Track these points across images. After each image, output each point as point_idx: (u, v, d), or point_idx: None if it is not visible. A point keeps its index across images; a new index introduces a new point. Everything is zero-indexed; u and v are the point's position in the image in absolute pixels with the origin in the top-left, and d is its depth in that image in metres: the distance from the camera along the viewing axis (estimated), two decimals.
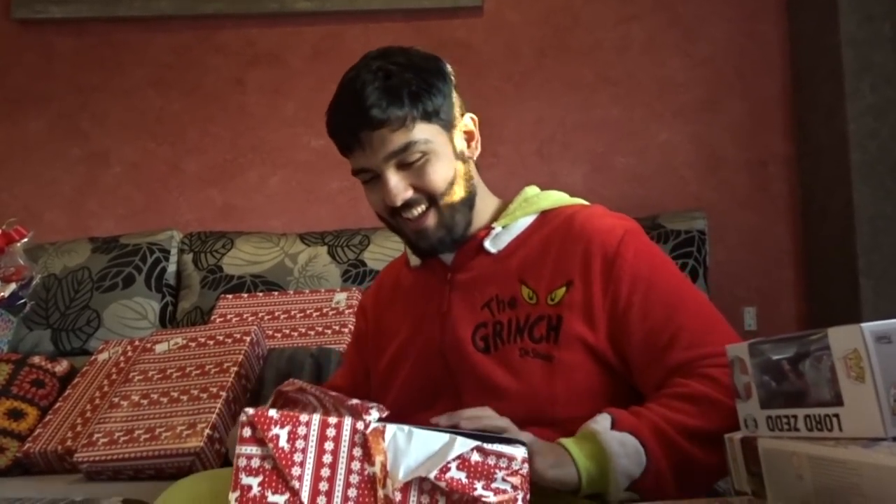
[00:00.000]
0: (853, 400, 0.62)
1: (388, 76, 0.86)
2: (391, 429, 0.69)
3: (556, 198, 0.98)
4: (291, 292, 1.92)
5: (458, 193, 0.91)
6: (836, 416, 0.63)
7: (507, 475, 0.68)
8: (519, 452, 0.69)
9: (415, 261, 1.00)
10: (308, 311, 1.84)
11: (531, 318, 0.87)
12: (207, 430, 1.39)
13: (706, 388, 0.81)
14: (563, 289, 0.88)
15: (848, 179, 2.05)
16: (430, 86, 0.88)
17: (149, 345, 1.65)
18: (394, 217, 0.90)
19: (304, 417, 0.69)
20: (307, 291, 1.91)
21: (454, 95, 0.92)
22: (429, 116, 0.87)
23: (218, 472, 0.85)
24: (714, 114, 2.35)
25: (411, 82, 0.86)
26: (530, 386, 0.85)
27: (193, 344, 1.61)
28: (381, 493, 0.67)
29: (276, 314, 1.85)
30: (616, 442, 0.77)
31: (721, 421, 0.79)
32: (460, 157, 0.92)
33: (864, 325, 0.60)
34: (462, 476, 0.68)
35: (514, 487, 0.68)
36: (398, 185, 0.87)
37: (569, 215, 0.93)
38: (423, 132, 0.87)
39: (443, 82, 0.90)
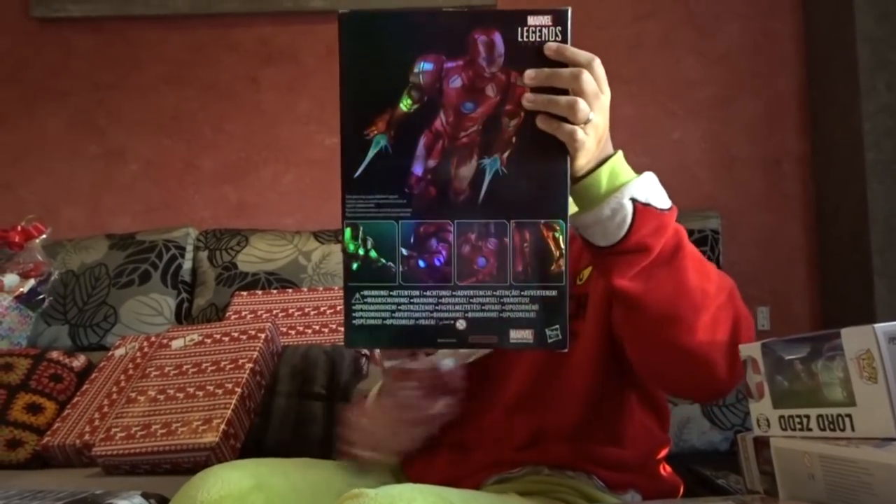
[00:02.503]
0: (866, 400, 0.62)
1: None
2: None
3: None
4: (305, 290, 1.93)
5: None
6: (849, 416, 0.64)
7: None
8: None
9: None
10: (322, 309, 1.86)
11: None
12: (223, 426, 1.41)
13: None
14: (590, 268, 0.91)
15: (862, 178, 2.04)
16: None
17: (165, 341, 1.67)
18: None
19: None
20: (321, 289, 1.93)
21: None
22: None
23: (239, 463, 0.87)
24: (728, 112, 2.34)
25: None
26: (551, 356, 0.87)
27: (209, 340, 1.62)
28: None
29: (291, 311, 1.86)
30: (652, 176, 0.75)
31: (715, 296, 0.77)
32: None
33: (876, 325, 0.61)
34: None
35: None
36: None
37: None
38: None
39: None
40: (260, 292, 1.93)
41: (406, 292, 0.71)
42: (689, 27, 2.36)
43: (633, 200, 0.72)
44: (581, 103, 0.67)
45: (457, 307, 0.71)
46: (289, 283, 2.00)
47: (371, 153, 0.70)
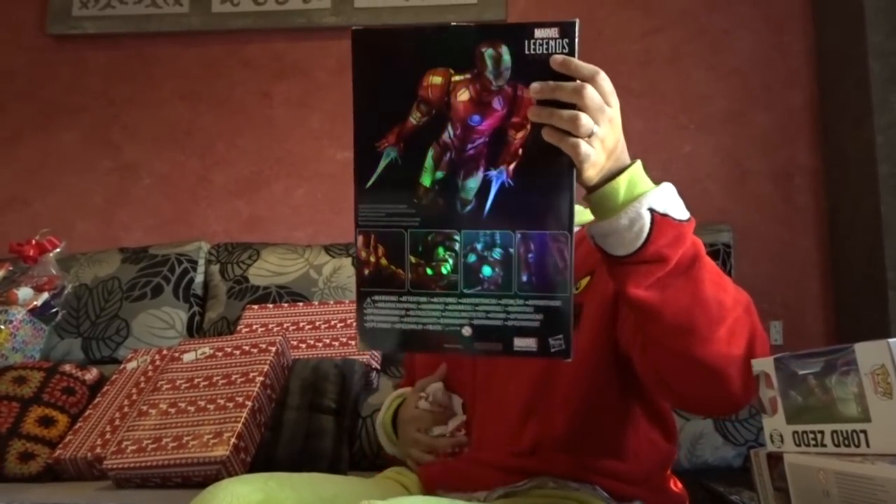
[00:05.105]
0: (881, 416, 0.61)
1: None
2: None
3: None
4: (316, 303, 1.94)
5: None
6: (864, 432, 0.63)
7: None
8: None
9: None
10: (332, 322, 1.86)
11: None
12: (233, 440, 1.41)
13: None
14: (587, 279, 0.90)
15: (875, 191, 2.03)
16: None
17: (176, 354, 1.67)
18: None
19: None
20: (332, 302, 1.93)
21: None
22: None
23: (249, 477, 0.87)
24: (739, 126, 2.34)
25: None
26: (543, 367, 0.87)
27: (220, 353, 1.63)
28: None
29: (301, 325, 1.86)
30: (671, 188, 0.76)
31: (732, 309, 0.76)
32: None
33: (891, 340, 0.60)
34: None
35: None
36: None
37: None
38: None
39: None
40: (271, 306, 1.94)
41: (414, 298, 0.74)
42: (700, 42, 2.36)
43: (652, 210, 0.72)
44: (583, 117, 0.67)
45: (463, 314, 0.73)
46: (300, 296, 2.00)
47: (382, 164, 0.73)
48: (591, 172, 0.71)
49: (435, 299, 0.73)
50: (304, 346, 1.81)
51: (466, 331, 0.72)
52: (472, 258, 0.72)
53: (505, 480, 0.90)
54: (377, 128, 0.73)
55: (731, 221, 2.18)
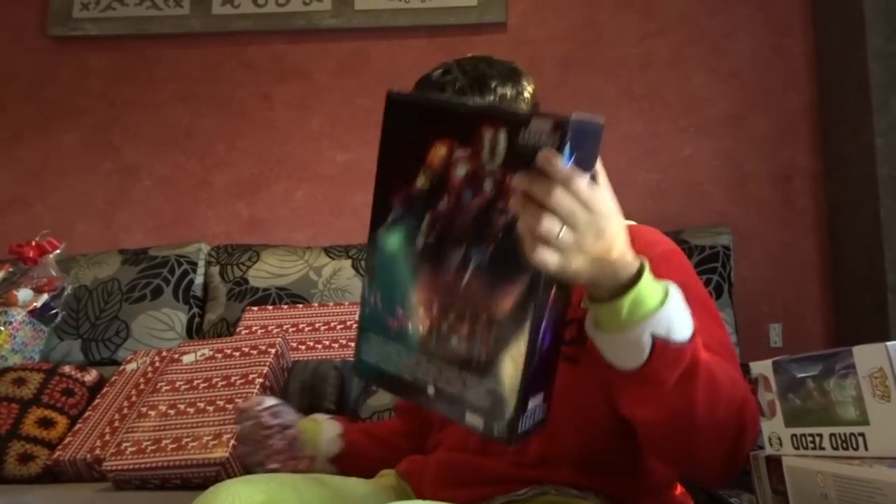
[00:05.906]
0: (879, 419, 0.61)
1: (475, 66, 0.96)
2: None
3: None
4: (316, 305, 1.94)
5: None
6: (862, 434, 0.63)
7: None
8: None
9: None
10: (332, 324, 1.86)
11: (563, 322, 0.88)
12: (233, 441, 1.41)
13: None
14: None
15: (875, 194, 2.03)
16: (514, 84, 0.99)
17: (176, 355, 1.68)
18: None
19: None
20: (331, 304, 1.93)
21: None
22: None
23: (250, 478, 0.87)
24: (739, 128, 2.34)
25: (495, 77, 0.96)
26: (562, 380, 0.86)
27: (220, 355, 1.63)
28: None
29: (301, 326, 1.87)
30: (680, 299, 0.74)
31: (731, 403, 0.75)
32: None
33: (889, 343, 0.60)
34: None
35: None
36: None
37: None
38: None
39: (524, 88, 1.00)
40: (270, 307, 1.94)
41: (396, 346, 0.78)
42: (700, 44, 2.36)
43: (654, 335, 0.70)
44: (546, 220, 0.64)
45: (429, 374, 0.75)
46: (299, 298, 2.00)
47: (391, 217, 0.77)
48: (566, 276, 0.67)
49: (412, 353, 0.76)
50: (303, 347, 1.81)
51: (430, 390, 0.75)
52: (444, 325, 0.74)
53: (506, 489, 0.89)
54: (392, 183, 0.77)
55: (731, 224, 2.19)
